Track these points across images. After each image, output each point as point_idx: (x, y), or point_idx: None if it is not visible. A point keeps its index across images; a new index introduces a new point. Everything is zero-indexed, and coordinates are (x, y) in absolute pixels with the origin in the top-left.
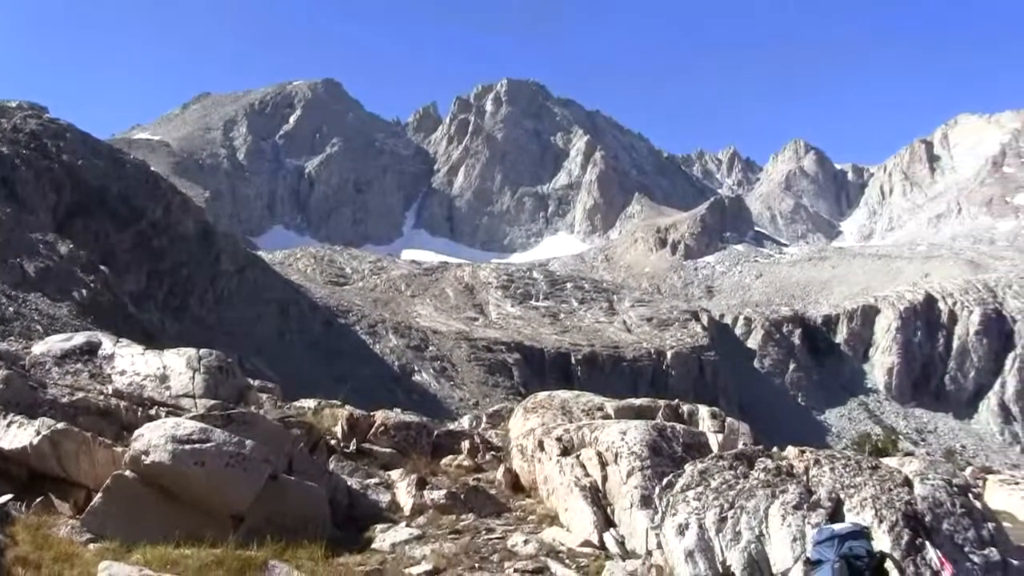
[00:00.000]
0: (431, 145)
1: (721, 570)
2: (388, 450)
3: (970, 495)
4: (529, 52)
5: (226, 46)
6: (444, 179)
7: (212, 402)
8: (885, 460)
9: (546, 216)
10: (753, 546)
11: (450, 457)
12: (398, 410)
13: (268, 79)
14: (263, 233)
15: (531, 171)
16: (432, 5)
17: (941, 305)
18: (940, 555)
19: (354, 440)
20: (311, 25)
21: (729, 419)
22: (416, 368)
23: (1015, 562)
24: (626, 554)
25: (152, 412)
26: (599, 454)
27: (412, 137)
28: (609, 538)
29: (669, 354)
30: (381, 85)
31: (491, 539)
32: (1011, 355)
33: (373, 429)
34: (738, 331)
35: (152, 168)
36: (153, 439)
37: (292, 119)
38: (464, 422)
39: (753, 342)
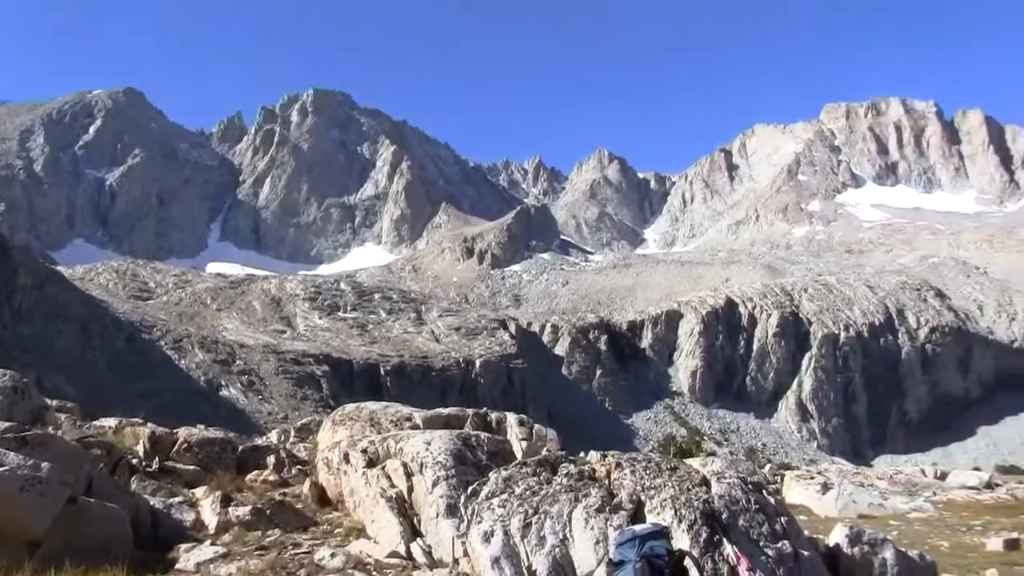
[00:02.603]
0: (236, 156)
1: (527, 575)
2: (192, 467)
3: (764, 491)
4: (335, 61)
5: (21, 54)
6: (250, 190)
7: (6, 424)
8: (688, 461)
9: (353, 227)
10: (558, 550)
11: (256, 472)
12: (202, 426)
13: (66, 88)
14: (62, 247)
15: (338, 182)
16: (238, 14)
17: (741, 309)
18: (736, 550)
19: (156, 458)
20: (111, 33)
21: (537, 426)
22: (223, 383)
23: (806, 553)
24: (433, 563)
25: None
26: (404, 465)
27: (217, 148)
28: (416, 548)
29: (478, 363)
30: (185, 95)
31: (298, 554)
32: (807, 356)
33: (176, 446)
34: (545, 339)
35: None
36: None
37: (92, 129)
38: (272, 436)
39: (560, 349)
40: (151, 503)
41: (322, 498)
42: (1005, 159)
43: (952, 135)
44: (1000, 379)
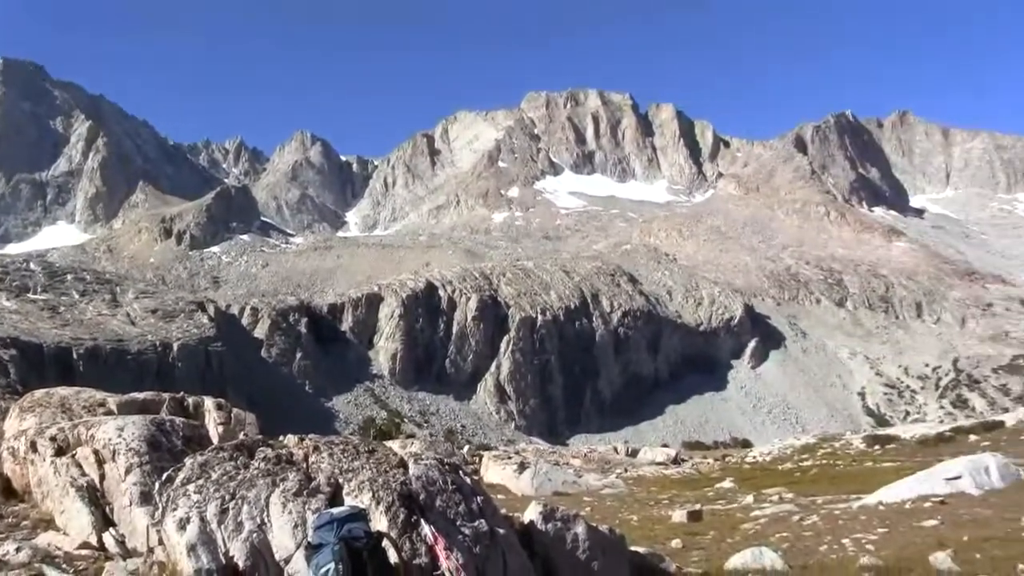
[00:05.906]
0: None
1: (225, 561)
2: None
3: (461, 472)
4: (26, 31)
5: None
6: None
7: None
8: (388, 443)
9: (44, 204)
10: (255, 535)
11: None
12: None
13: None
14: None
15: (29, 156)
16: None
17: (441, 292)
18: (433, 530)
19: None
20: None
21: (235, 410)
22: None
23: (502, 531)
24: (127, 553)
25: None
26: (96, 452)
27: None
28: (108, 538)
29: (175, 346)
30: None
31: None
32: (505, 338)
33: None
34: (245, 321)
35: None
36: None
37: None
38: None
39: (260, 332)
40: None
41: (7, 490)
42: (694, 152)
43: (646, 127)
44: (687, 360)
